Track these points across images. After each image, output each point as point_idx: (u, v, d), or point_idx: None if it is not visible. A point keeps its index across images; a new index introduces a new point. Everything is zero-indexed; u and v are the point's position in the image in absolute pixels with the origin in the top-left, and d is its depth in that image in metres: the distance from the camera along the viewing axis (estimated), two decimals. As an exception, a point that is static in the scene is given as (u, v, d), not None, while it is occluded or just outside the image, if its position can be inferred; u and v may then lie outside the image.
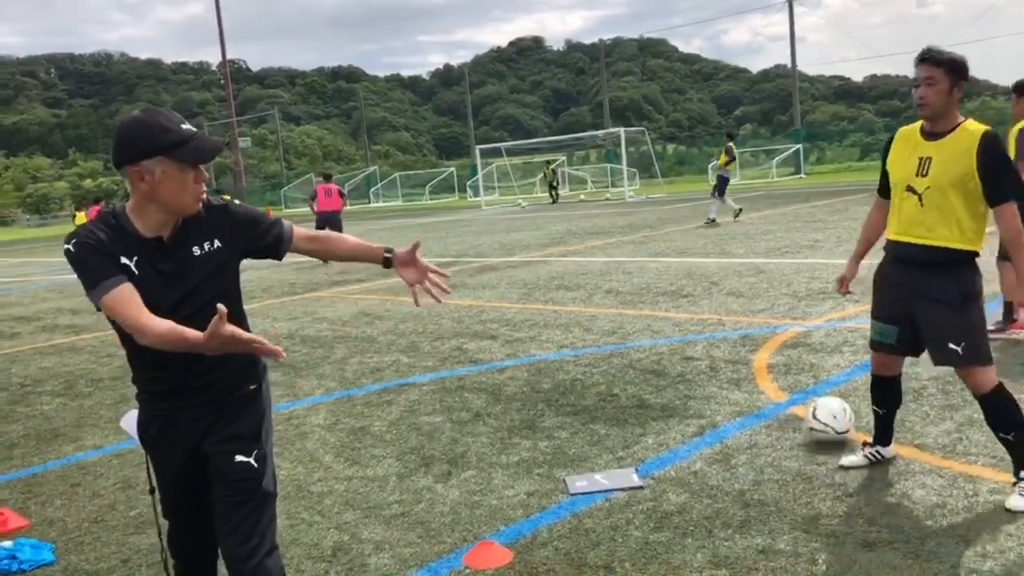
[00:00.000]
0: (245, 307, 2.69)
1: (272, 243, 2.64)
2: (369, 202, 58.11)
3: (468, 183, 50.89)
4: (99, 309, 2.34)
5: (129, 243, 2.39)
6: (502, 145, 49.57)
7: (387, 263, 2.72)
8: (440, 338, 8.38)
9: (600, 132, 49.38)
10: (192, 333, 2.23)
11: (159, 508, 2.78)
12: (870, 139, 56.79)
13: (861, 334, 6.94)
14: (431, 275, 2.73)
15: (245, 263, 2.66)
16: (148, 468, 2.72)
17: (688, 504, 3.96)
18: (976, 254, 3.75)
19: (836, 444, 4.53)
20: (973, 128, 3.65)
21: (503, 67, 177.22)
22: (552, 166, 40.40)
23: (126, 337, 2.45)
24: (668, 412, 5.36)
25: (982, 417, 4.70)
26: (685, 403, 5.53)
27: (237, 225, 2.55)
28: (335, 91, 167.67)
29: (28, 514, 4.56)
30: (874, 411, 4.24)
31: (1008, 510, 3.65)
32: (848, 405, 4.70)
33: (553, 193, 38.58)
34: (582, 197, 40.63)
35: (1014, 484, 3.74)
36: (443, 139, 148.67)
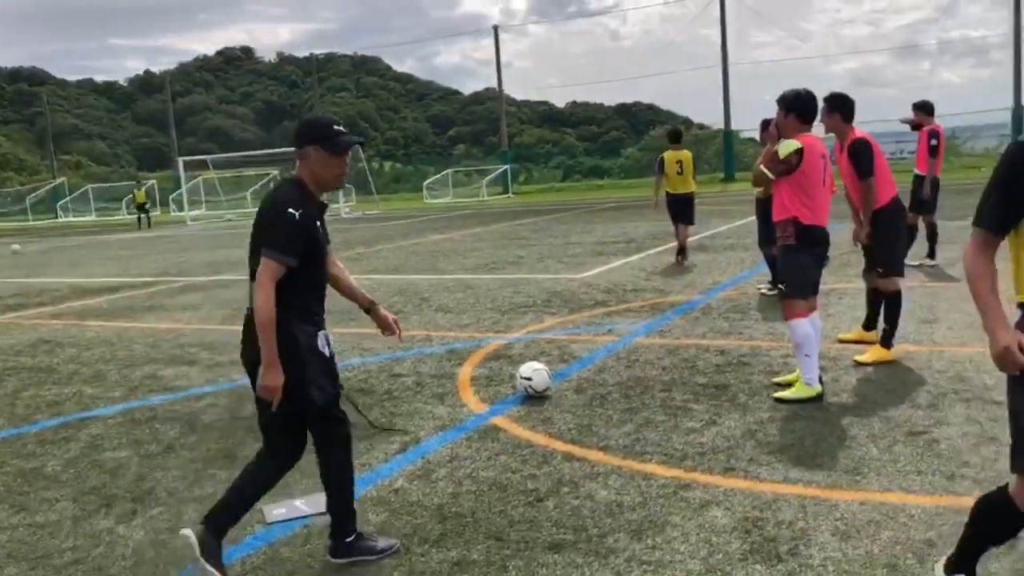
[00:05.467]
0: None
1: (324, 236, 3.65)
2: (57, 217, 52.78)
3: (171, 197, 47.83)
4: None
5: (318, 207, 3.53)
6: (208, 157, 47.08)
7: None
8: (131, 365, 7.75)
9: (313, 147, 48.48)
10: (272, 344, 3.67)
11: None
12: (572, 162, 61.33)
13: (556, 344, 7.38)
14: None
15: None
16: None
17: (388, 523, 3.96)
18: None
19: (530, 452, 4.76)
20: None
21: (210, 76, 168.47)
22: (143, 188, 38.14)
23: (306, 270, 3.55)
24: (373, 431, 5.34)
25: (656, 418, 5.17)
26: (391, 420, 5.54)
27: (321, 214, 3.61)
28: (15, 94, 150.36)
29: None
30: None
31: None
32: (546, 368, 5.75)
33: (142, 217, 35.88)
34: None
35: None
36: (144, 150, 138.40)
